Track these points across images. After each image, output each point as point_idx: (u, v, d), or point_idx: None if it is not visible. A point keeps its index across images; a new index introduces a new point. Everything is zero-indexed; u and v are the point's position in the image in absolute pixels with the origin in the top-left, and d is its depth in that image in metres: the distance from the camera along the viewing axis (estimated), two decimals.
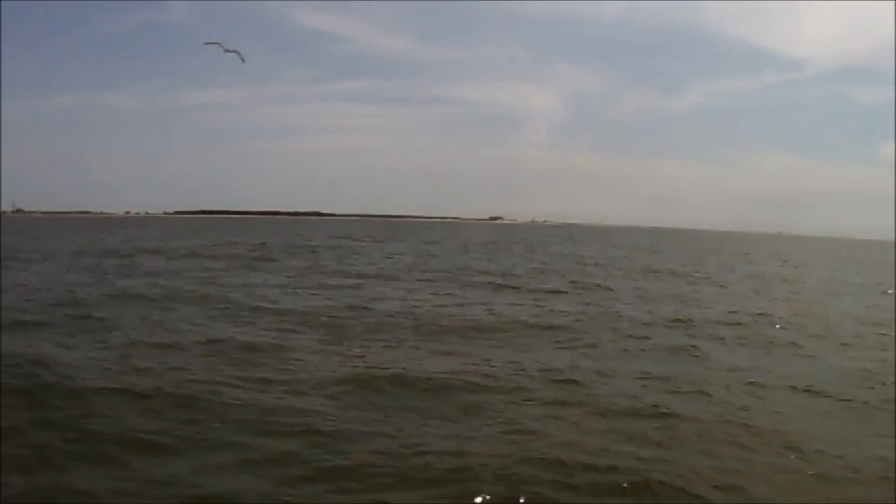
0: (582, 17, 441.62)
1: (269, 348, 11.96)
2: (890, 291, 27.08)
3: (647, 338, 14.43)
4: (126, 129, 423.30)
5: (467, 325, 15.11)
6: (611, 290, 23.97)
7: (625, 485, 6.46)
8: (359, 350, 12.21)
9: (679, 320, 16.98)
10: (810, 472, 6.99)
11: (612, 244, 71.65)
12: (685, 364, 12.05)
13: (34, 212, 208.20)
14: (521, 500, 6.15)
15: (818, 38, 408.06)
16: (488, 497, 6.17)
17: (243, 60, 26.34)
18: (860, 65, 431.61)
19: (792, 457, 7.46)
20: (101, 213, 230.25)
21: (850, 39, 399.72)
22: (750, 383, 10.62)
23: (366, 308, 17.25)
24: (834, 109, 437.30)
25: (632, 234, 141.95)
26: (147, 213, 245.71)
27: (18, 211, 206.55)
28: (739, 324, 16.99)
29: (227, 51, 26.32)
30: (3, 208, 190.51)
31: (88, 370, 9.87)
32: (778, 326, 16.88)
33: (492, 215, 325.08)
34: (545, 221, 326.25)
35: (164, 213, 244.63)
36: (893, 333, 15.77)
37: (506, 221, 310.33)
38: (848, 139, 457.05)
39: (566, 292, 22.61)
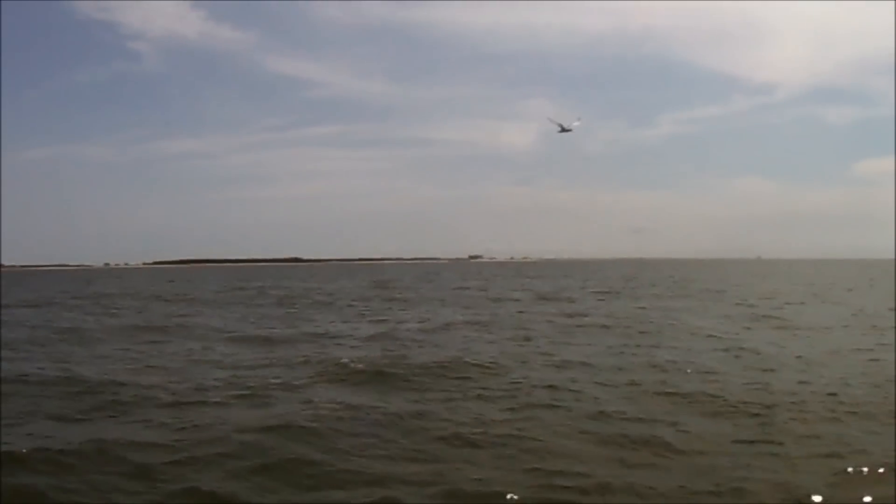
0: (550, 53, 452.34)
1: None
2: None
3: None
4: (102, 180, 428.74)
5: None
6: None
7: None
8: None
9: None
10: None
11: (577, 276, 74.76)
12: None
13: (13, 266, 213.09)
14: None
15: (786, 62, 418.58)
16: None
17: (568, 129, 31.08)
18: (828, 85, 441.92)
19: None
20: (81, 265, 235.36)
21: (817, 61, 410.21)
22: None
23: None
24: (806, 131, 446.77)
25: (608, 267, 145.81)
26: (126, 265, 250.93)
27: None
28: None
29: (563, 129, 29.60)
30: None
31: None
32: None
33: (471, 254, 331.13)
34: (524, 258, 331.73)
35: (144, 264, 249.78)
36: None
37: (485, 260, 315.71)
38: (821, 160, 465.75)
39: None
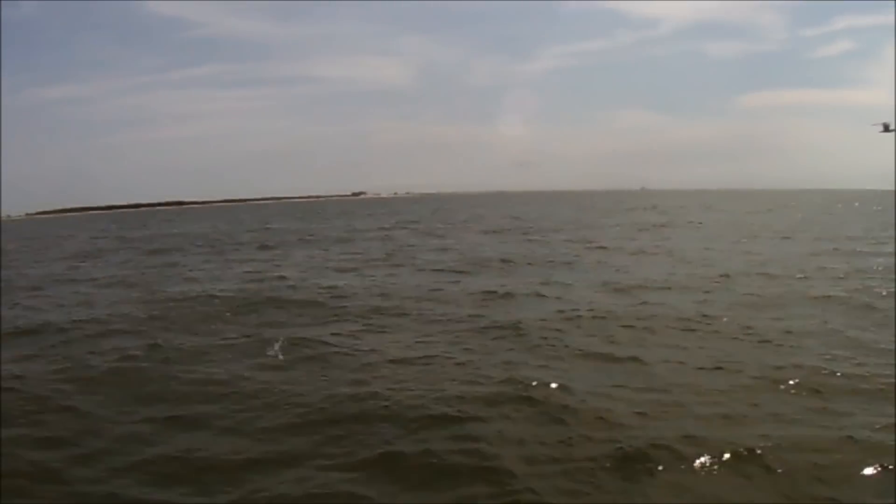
0: None
1: None
2: None
3: None
4: None
5: None
6: None
7: None
8: None
9: None
10: None
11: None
12: None
13: None
14: None
15: None
16: None
17: None
18: (712, 20, 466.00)
19: None
20: None
21: None
22: None
23: None
24: (689, 65, 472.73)
25: (485, 199, 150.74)
26: (8, 217, 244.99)
27: None
28: None
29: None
30: None
31: None
32: None
33: (354, 191, 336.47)
34: (407, 193, 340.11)
35: (27, 215, 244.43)
36: None
37: (369, 196, 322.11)
38: (705, 93, 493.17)
39: None
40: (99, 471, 7.63)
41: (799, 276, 20.01)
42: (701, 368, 10.53)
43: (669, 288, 18.33)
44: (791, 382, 9.56)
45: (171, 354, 12.29)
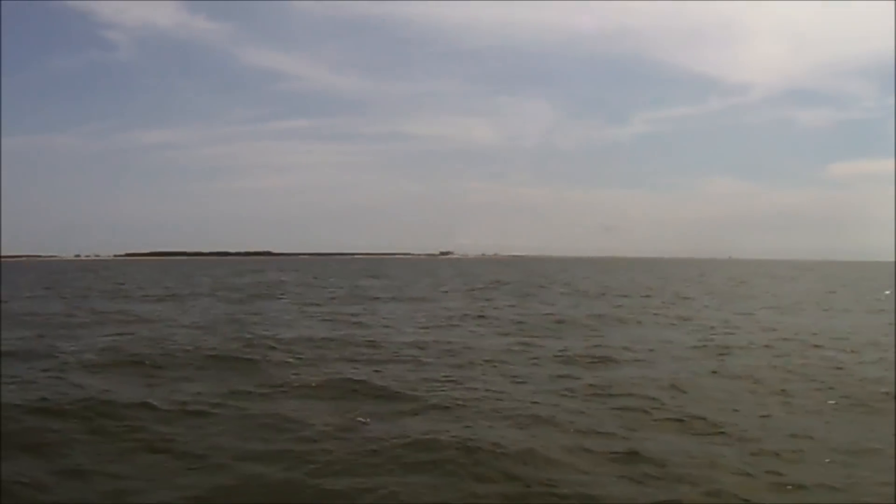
0: (524, 50, 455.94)
1: None
2: None
3: None
4: (73, 171, 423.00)
5: None
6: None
7: None
8: None
9: None
10: None
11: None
12: None
13: None
14: None
15: (760, 63, 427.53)
16: None
17: None
18: (803, 87, 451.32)
19: None
20: (51, 256, 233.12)
21: (792, 62, 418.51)
22: None
23: None
24: (780, 133, 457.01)
25: (577, 264, 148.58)
26: (97, 256, 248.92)
27: None
28: None
29: None
30: None
31: None
32: None
33: (442, 250, 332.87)
34: (495, 255, 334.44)
35: (115, 256, 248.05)
36: None
37: (455, 256, 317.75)
38: (795, 161, 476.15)
39: None
40: None
41: None
42: None
43: None
44: None
45: None
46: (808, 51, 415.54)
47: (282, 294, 40.88)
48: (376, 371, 14.09)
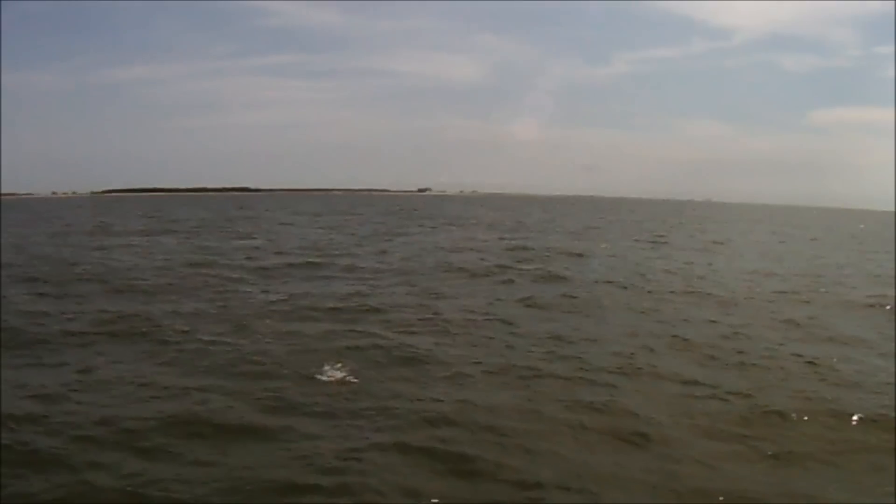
0: None
1: None
2: None
3: None
4: (51, 108, 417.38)
5: None
6: None
7: None
8: None
9: None
10: None
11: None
12: None
13: None
14: None
15: (746, 7, 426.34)
16: None
17: None
18: (787, 33, 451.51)
19: None
20: (28, 193, 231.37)
21: (777, 7, 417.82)
22: None
23: None
24: (763, 77, 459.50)
25: (554, 203, 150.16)
26: (74, 193, 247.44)
27: None
28: None
29: None
30: None
31: None
32: None
33: (420, 187, 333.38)
34: (473, 192, 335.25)
35: (93, 193, 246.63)
36: None
37: (434, 193, 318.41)
38: (777, 107, 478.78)
39: None
40: None
41: None
42: None
43: None
44: None
45: None
46: None
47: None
48: None
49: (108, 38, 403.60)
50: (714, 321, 14.94)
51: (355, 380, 9.99)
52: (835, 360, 11.68)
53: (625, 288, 19.63)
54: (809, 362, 11.49)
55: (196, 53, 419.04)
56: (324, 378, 10.04)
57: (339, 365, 10.57)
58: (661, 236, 43.74)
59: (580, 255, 28.91)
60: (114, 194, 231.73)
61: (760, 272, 24.28)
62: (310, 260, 25.32)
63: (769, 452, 7.74)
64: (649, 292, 19.01)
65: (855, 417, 8.77)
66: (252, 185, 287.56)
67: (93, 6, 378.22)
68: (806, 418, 8.79)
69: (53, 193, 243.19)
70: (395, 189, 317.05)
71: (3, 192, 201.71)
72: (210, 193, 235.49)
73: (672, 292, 19.02)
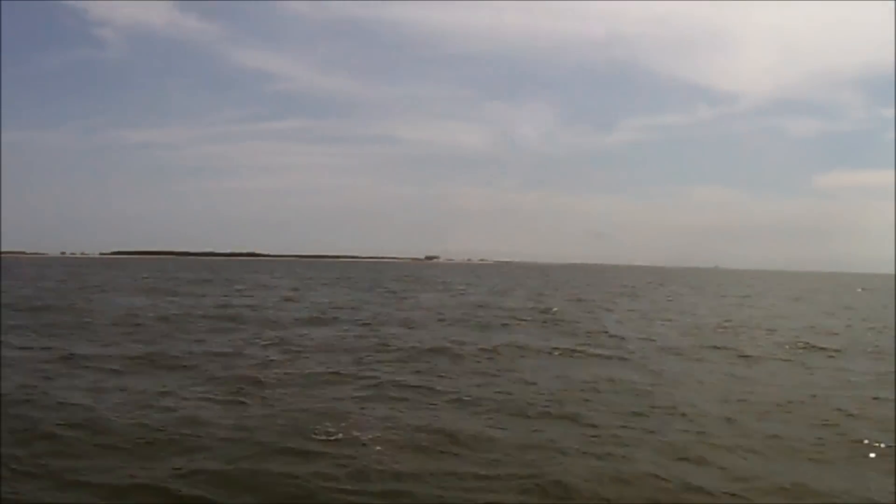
0: (514, 55, 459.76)
1: None
2: None
3: None
4: (61, 168, 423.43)
5: None
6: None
7: None
8: None
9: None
10: None
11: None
12: None
13: None
14: None
15: (751, 72, 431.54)
16: None
17: None
18: (792, 97, 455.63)
19: None
20: (36, 253, 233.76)
21: (782, 72, 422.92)
22: None
23: None
24: (769, 142, 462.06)
25: (559, 271, 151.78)
26: (83, 254, 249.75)
27: None
28: None
29: None
30: None
31: None
32: None
33: (428, 255, 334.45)
34: (481, 260, 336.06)
35: (101, 254, 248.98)
36: None
37: (442, 261, 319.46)
38: (784, 171, 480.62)
39: None
40: None
41: None
42: None
43: None
44: None
45: None
46: (799, 60, 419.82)
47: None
48: None
49: (116, 99, 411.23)
50: None
51: None
52: None
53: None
54: None
55: (204, 117, 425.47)
56: None
57: None
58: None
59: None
60: (123, 256, 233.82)
61: None
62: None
63: None
64: None
65: None
66: (259, 250, 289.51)
67: (102, 67, 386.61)
68: None
69: (62, 253, 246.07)
70: (403, 256, 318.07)
71: (8, 250, 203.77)
72: (217, 258, 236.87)
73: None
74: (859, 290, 73.45)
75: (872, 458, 8.49)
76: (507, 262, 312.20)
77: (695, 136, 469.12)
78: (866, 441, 9.02)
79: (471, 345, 17.60)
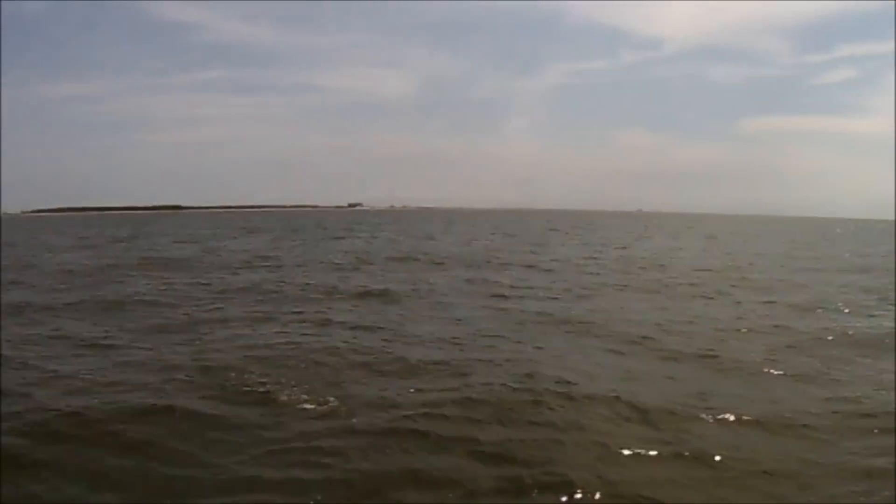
0: (438, 2, 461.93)
1: None
2: None
3: None
4: None
5: None
6: None
7: None
8: None
9: None
10: None
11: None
12: None
13: None
14: None
15: (675, 18, 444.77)
16: None
17: None
18: (717, 44, 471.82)
19: None
20: None
21: (707, 18, 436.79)
22: None
23: None
24: (692, 87, 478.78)
25: (477, 216, 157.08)
26: (6, 213, 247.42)
27: None
28: None
29: None
30: None
31: None
32: None
33: (351, 202, 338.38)
34: (404, 206, 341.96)
35: (23, 213, 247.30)
36: None
37: (366, 207, 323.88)
38: (708, 116, 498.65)
39: None
40: None
41: None
42: None
43: None
44: None
45: None
46: (724, 7, 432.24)
47: None
48: None
49: (34, 54, 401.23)
50: None
51: None
52: None
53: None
54: None
55: (124, 70, 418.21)
56: None
57: None
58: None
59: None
60: (42, 214, 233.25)
61: None
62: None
63: None
64: None
65: None
66: (183, 203, 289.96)
67: (22, 21, 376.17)
68: None
69: None
70: (326, 205, 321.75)
71: None
72: (140, 212, 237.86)
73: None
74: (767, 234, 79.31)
75: None
76: (430, 209, 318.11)
77: (619, 80, 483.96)
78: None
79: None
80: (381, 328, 14.65)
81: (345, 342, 12.97)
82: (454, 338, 13.61)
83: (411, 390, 9.77)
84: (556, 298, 19.75)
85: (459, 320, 15.81)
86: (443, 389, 9.81)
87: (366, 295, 19.86)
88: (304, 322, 15.34)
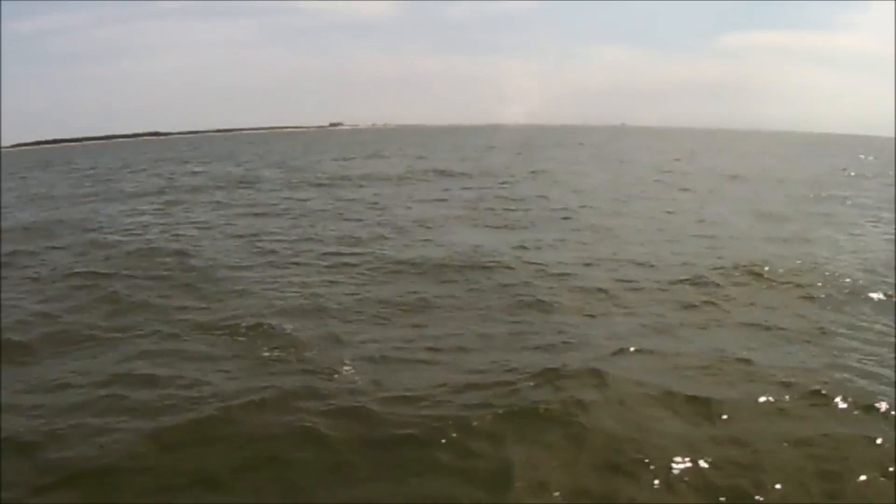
0: None
1: None
2: None
3: None
4: None
5: None
6: None
7: None
8: None
9: None
10: None
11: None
12: None
13: None
14: None
15: None
16: None
17: None
18: None
19: None
20: None
21: None
22: None
23: None
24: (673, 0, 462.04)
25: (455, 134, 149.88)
26: None
27: None
28: None
29: None
30: None
31: None
32: None
33: (332, 122, 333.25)
34: (385, 125, 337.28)
35: (3, 147, 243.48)
36: None
37: (346, 127, 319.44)
38: (690, 31, 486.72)
39: None
40: None
41: None
42: None
43: None
44: None
45: None
46: None
47: None
48: None
49: None
50: None
51: None
52: None
53: None
54: None
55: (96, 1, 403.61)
56: None
57: None
58: None
59: None
60: (24, 147, 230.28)
61: None
62: None
63: None
64: None
65: None
66: (161, 130, 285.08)
67: None
68: None
69: None
70: (306, 125, 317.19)
71: None
72: (119, 140, 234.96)
73: None
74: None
75: None
76: (412, 126, 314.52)
77: None
78: None
79: None
80: None
81: None
82: None
83: None
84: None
85: None
86: None
87: None
88: None
